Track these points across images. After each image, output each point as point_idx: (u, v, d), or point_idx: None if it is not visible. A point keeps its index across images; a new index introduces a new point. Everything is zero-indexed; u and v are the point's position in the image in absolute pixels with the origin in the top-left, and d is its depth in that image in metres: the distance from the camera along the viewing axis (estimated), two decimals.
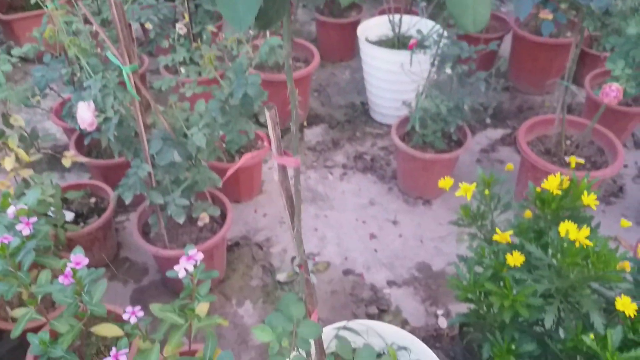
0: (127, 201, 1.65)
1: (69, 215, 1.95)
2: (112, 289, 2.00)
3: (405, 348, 1.31)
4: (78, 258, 1.24)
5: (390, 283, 2.06)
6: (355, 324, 1.39)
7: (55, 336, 1.34)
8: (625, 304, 1.10)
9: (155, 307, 1.34)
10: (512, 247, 1.31)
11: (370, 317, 1.93)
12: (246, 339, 1.86)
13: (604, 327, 1.13)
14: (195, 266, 1.22)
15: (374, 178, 2.55)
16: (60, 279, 1.21)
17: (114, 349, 1.11)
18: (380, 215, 2.35)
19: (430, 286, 2.04)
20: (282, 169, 0.81)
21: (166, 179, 1.64)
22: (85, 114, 1.52)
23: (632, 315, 1.09)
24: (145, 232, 1.89)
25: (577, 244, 1.09)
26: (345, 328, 1.18)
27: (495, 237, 1.29)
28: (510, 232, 1.28)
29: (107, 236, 2.03)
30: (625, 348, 1.08)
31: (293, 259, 2.14)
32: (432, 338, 1.85)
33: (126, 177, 1.64)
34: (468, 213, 1.44)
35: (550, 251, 1.23)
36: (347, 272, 2.10)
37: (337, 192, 2.47)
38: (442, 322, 1.91)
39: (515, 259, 1.24)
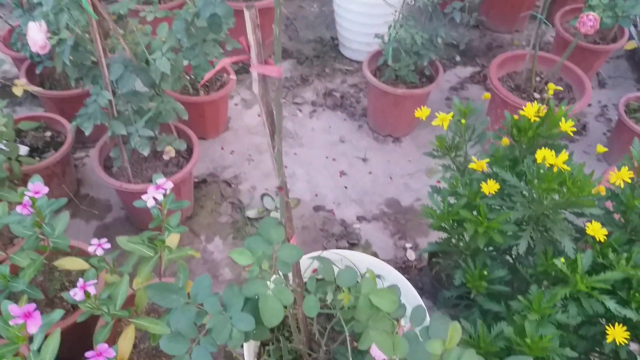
0: (87, 132, 1.55)
1: (24, 149, 1.83)
2: (74, 227, 1.93)
3: (379, 276, 1.32)
4: (37, 187, 1.16)
5: (360, 218, 2.06)
6: (329, 253, 1.38)
7: (16, 271, 1.28)
8: (595, 229, 1.12)
9: (122, 240, 1.28)
10: (486, 176, 1.31)
11: None
12: (216, 274, 1.84)
13: (574, 251, 1.16)
14: (164, 195, 1.17)
15: (344, 115, 2.50)
16: (19, 208, 1.14)
17: (81, 279, 1.06)
18: (350, 153, 2.33)
19: (399, 221, 2.06)
20: (262, 79, 0.75)
21: (128, 109, 1.55)
22: (37, 35, 1.39)
23: (602, 240, 1.11)
24: (107, 166, 1.80)
25: (555, 170, 1.09)
26: (319, 258, 1.16)
27: (472, 166, 1.28)
28: (486, 160, 1.27)
29: (66, 172, 1.93)
30: (593, 272, 1.11)
31: (263, 195, 2.11)
32: (400, 270, 1.88)
33: (85, 106, 1.54)
34: (443, 144, 1.42)
35: (525, 179, 1.24)
36: (317, 209, 2.09)
37: (306, 130, 2.42)
38: (411, 255, 1.94)
39: (490, 187, 1.24)
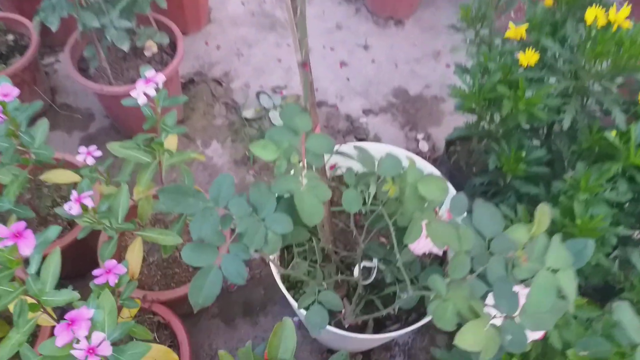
0: (54, 27, 1.33)
1: None
2: (56, 140, 1.75)
3: None
4: (5, 89, 0.98)
5: (367, 111, 1.91)
6: (346, 147, 1.25)
7: None
8: None
9: (114, 146, 1.13)
10: (522, 45, 1.15)
11: None
12: None
13: (625, 123, 1.04)
14: (156, 90, 1.00)
15: None
16: None
17: (74, 192, 0.92)
18: (349, 40, 2.12)
19: (408, 111, 1.91)
20: None
21: None
22: None
23: None
24: (82, 69, 1.59)
25: (614, 28, 0.94)
26: (337, 152, 1.03)
27: (509, 34, 1.11)
28: (525, 25, 1.10)
29: (37, 79, 1.72)
30: None
31: (258, 94, 1.93)
32: None
33: None
34: (468, 14, 1.24)
35: (567, 45, 1.08)
36: (319, 104, 1.93)
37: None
38: (423, 146, 1.82)
39: (528, 57, 1.09)
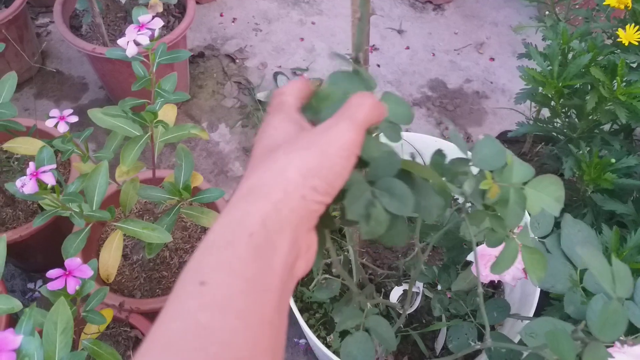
0: None
1: None
2: (42, 110, 1.53)
3: None
4: None
5: None
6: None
7: None
8: None
9: (95, 113, 0.90)
10: (621, 21, 0.91)
11: None
12: (224, 169, 1.48)
13: None
14: (151, 39, 0.76)
15: None
16: None
17: (31, 164, 0.69)
18: (382, 23, 1.88)
19: (445, 107, 1.67)
20: None
21: None
22: None
23: None
24: (74, 27, 1.36)
25: None
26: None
27: (609, 1, 0.87)
28: None
29: (25, 38, 1.49)
30: None
31: (276, 75, 1.69)
32: None
33: None
34: None
35: None
36: None
37: None
38: None
39: (629, 34, 0.85)
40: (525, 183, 0.50)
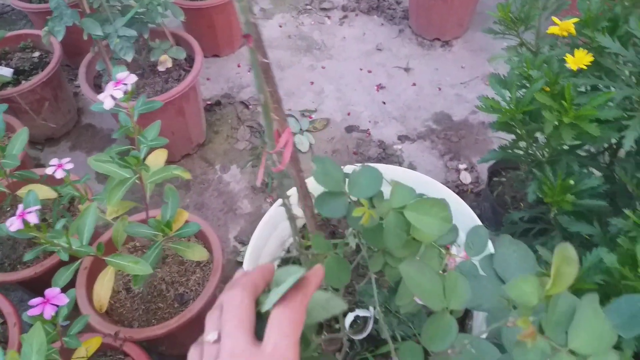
0: (59, 37, 1.27)
1: (6, 71, 1.59)
2: (74, 162, 1.69)
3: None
4: None
5: (402, 137, 1.71)
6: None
7: None
8: None
9: (92, 159, 1.02)
10: (573, 46, 0.93)
11: None
12: (233, 207, 1.58)
13: None
14: (125, 93, 0.87)
15: (381, 20, 2.10)
16: None
17: (20, 206, 0.81)
18: (390, 63, 1.95)
19: (450, 138, 1.69)
20: None
21: (103, 4, 1.25)
22: None
23: None
24: (97, 85, 1.53)
25: None
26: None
27: (552, 30, 0.90)
28: (574, 19, 0.89)
29: (59, 97, 1.68)
30: None
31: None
32: None
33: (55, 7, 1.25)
34: (507, 14, 1.04)
35: (632, 45, 0.85)
36: (350, 129, 1.76)
37: (336, 39, 2.06)
38: (466, 178, 1.59)
39: (578, 59, 0.87)
40: (403, 207, 0.55)
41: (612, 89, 0.86)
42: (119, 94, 0.87)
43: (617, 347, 0.58)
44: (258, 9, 2.18)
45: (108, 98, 0.87)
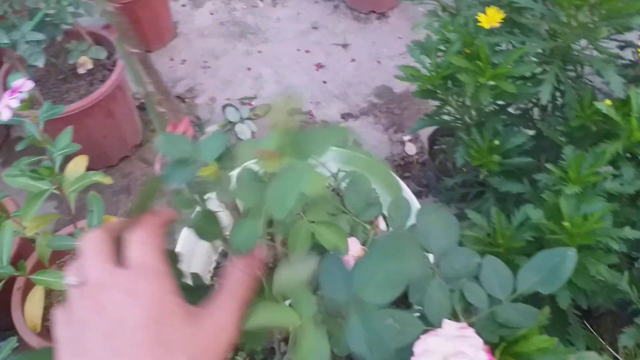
0: None
1: None
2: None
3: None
4: None
5: (345, 115, 1.69)
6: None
7: None
8: None
9: (4, 175, 0.96)
10: (485, 3, 0.91)
11: None
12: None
13: (623, 89, 0.78)
14: (22, 101, 0.82)
15: None
16: None
17: None
18: (327, 40, 1.92)
19: (392, 111, 1.68)
20: None
21: (6, 9, 1.17)
22: None
23: None
24: None
25: None
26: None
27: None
28: None
29: None
30: None
31: (224, 107, 1.74)
32: (400, 168, 1.53)
33: None
34: None
35: None
36: (292, 112, 1.72)
37: (270, 21, 2.00)
38: (410, 149, 1.58)
39: (490, 17, 0.85)
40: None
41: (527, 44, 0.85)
42: (15, 103, 0.81)
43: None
44: None
45: (5, 109, 0.81)
